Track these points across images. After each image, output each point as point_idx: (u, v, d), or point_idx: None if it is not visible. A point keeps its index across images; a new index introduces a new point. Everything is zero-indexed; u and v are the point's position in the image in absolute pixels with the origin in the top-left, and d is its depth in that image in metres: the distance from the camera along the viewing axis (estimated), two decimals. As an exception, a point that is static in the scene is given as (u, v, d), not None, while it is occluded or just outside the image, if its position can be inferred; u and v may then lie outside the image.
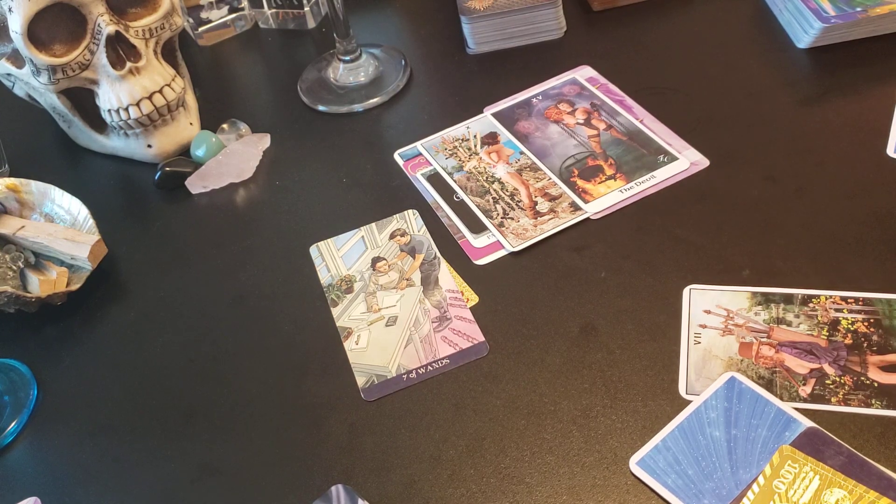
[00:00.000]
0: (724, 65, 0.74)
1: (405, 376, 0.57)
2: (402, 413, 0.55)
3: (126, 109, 0.72)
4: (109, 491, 0.54)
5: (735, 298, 0.56)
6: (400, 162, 0.73)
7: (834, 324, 0.54)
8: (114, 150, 0.78)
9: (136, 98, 0.72)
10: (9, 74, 0.75)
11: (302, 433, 0.55)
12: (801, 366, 0.52)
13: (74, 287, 0.65)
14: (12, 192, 0.71)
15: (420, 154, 0.73)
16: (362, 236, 0.67)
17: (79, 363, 0.62)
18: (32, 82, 0.73)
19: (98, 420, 0.58)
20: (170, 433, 0.57)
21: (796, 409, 0.50)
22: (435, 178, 0.70)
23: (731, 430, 0.49)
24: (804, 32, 0.74)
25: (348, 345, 0.60)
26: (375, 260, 0.65)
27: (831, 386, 0.51)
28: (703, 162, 0.66)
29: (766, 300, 0.56)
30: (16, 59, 0.73)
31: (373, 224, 0.68)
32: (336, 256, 0.66)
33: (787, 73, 0.72)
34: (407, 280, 0.63)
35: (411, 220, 0.67)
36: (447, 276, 0.63)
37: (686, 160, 0.66)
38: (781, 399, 0.51)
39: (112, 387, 0.60)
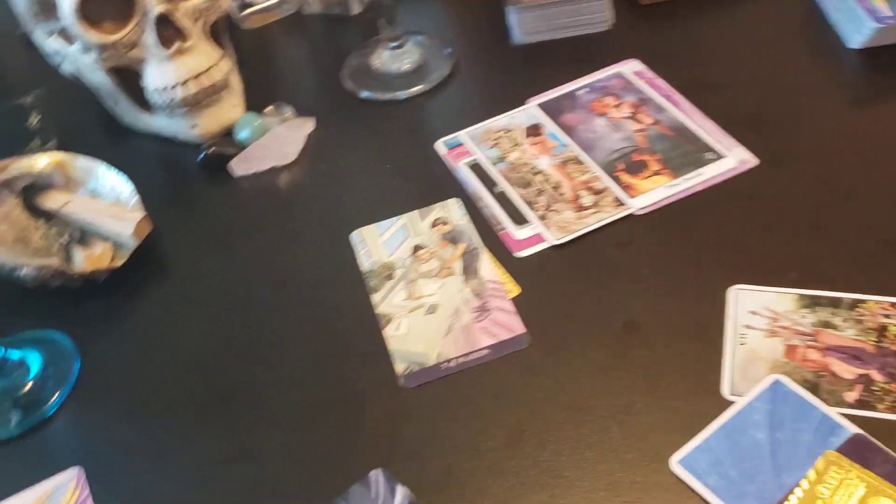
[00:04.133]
0: (773, 63, 0.73)
1: (444, 365, 0.57)
2: (441, 402, 0.55)
3: (172, 89, 0.73)
4: (148, 466, 0.55)
5: (781, 300, 0.56)
6: (442, 151, 0.72)
7: (882, 329, 0.53)
8: (159, 130, 0.78)
9: (182, 78, 0.72)
10: (58, 52, 0.75)
11: (341, 417, 0.55)
12: (847, 371, 0.52)
13: (117, 264, 0.66)
14: (59, 167, 0.71)
15: (463, 143, 0.72)
16: (404, 223, 0.67)
17: (120, 339, 0.63)
18: (81, 60, 0.73)
19: (138, 395, 0.59)
20: (210, 412, 0.57)
21: (842, 414, 0.49)
22: (477, 168, 0.70)
23: (775, 433, 0.49)
24: (856, 32, 0.72)
25: (388, 331, 0.60)
26: (416, 248, 0.65)
27: (878, 392, 0.50)
28: (752, 161, 0.66)
29: (814, 303, 0.55)
30: (66, 36, 0.74)
31: (415, 212, 0.68)
32: (377, 243, 0.66)
33: (839, 74, 0.71)
34: (448, 269, 0.63)
35: (453, 209, 0.67)
36: (488, 267, 0.63)
37: (734, 158, 0.66)
38: (827, 404, 0.50)
39: (152, 363, 0.61)
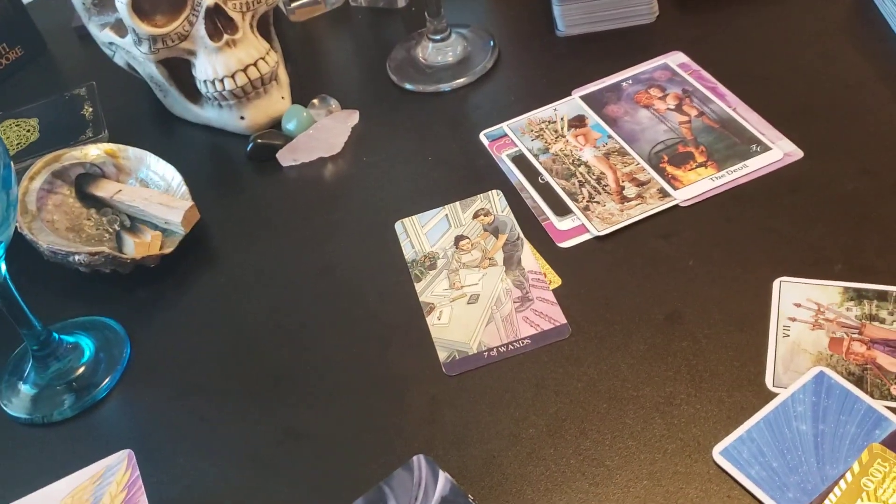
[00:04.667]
0: (820, 54, 0.73)
1: (486, 354, 0.57)
2: (482, 389, 0.56)
3: (221, 81, 0.74)
4: (198, 448, 0.56)
5: (826, 293, 0.55)
6: (485, 142, 0.73)
7: (930, 323, 0.53)
8: (207, 121, 0.80)
9: (231, 70, 0.74)
10: (111, 43, 0.77)
11: (385, 403, 0.56)
12: (893, 364, 0.51)
13: (167, 250, 0.67)
14: (110, 157, 0.73)
15: (506, 135, 0.73)
16: (446, 214, 0.68)
17: (169, 324, 0.64)
18: (133, 51, 0.75)
19: (187, 380, 0.60)
20: (256, 396, 0.58)
21: (888, 407, 0.49)
22: (520, 160, 0.70)
23: (819, 425, 0.49)
24: (908, 24, 0.71)
25: (430, 320, 0.60)
26: (459, 238, 0.66)
27: (925, 386, 0.50)
28: (797, 153, 0.65)
29: (859, 296, 0.55)
30: (119, 28, 0.75)
31: (457, 203, 0.68)
32: (420, 233, 0.67)
33: (887, 66, 0.70)
34: (489, 259, 0.64)
35: (495, 201, 0.68)
36: (530, 258, 0.63)
37: (779, 150, 0.65)
38: (872, 396, 0.50)
39: (201, 349, 0.62)
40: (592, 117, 0.72)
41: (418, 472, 0.51)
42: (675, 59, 0.75)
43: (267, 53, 0.76)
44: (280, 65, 0.79)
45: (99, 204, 0.72)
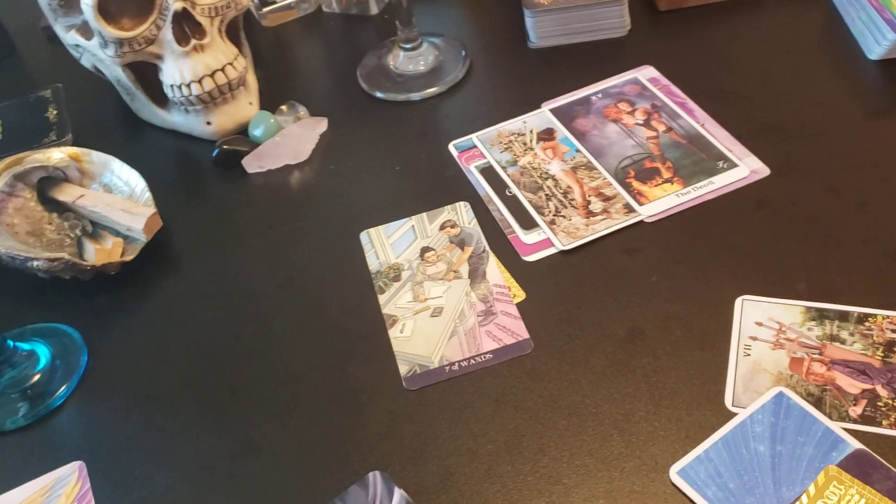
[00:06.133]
0: (790, 72, 0.73)
1: (447, 368, 0.57)
2: (442, 404, 0.55)
3: (188, 86, 0.73)
4: (152, 459, 0.55)
5: (788, 312, 0.55)
6: (454, 153, 0.72)
7: (890, 345, 0.52)
8: (174, 126, 0.79)
9: (198, 75, 0.73)
10: (77, 45, 0.76)
11: (343, 417, 0.55)
12: (852, 385, 0.51)
13: (129, 258, 0.66)
14: (74, 160, 0.72)
15: (475, 146, 0.72)
16: (412, 225, 0.67)
17: (129, 333, 0.63)
18: (99, 54, 0.74)
19: (144, 389, 0.60)
20: (214, 408, 0.57)
21: (845, 429, 0.49)
22: (488, 172, 0.70)
23: (777, 446, 0.49)
24: (876, 43, 0.72)
25: (393, 332, 0.60)
26: (424, 250, 0.65)
27: (883, 408, 0.50)
28: (764, 170, 0.65)
29: (821, 316, 0.55)
30: (85, 30, 0.74)
31: (423, 214, 0.68)
32: (385, 244, 0.66)
33: (856, 85, 0.70)
34: (454, 272, 0.63)
35: (462, 212, 0.67)
36: (495, 271, 0.62)
37: (746, 168, 0.65)
38: (830, 418, 0.50)
39: (160, 358, 0.61)
40: (561, 130, 0.72)
41: (373, 489, 0.50)
42: (646, 74, 0.75)
43: (235, 59, 0.75)
44: (249, 70, 0.78)
45: (61, 208, 0.70)
